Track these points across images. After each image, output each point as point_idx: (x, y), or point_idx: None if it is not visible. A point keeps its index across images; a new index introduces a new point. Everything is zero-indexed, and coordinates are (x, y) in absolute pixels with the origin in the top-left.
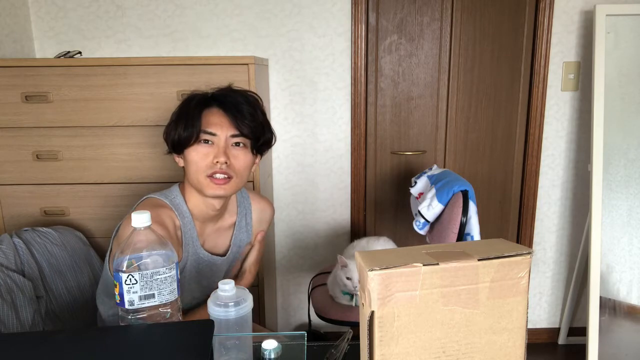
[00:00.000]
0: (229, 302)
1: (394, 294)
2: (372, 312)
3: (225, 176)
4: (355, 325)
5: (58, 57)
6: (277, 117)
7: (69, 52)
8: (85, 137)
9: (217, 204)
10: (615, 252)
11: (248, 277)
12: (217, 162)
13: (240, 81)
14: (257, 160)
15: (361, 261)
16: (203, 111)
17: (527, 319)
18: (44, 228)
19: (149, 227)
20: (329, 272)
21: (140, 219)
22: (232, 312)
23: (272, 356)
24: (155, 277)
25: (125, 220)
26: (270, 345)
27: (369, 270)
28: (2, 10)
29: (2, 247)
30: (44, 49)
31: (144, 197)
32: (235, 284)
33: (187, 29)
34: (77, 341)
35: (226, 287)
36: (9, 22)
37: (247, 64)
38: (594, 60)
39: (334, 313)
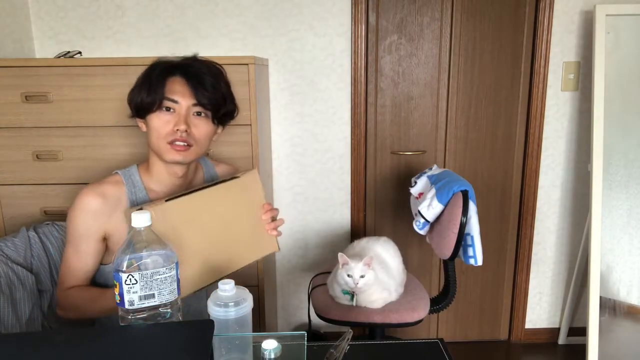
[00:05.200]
0: (229, 302)
1: None
2: None
3: (185, 144)
4: (355, 325)
5: (58, 57)
6: (277, 117)
7: (69, 52)
8: (85, 137)
9: (179, 170)
10: (615, 252)
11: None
12: (178, 129)
13: (240, 81)
14: (218, 131)
15: None
16: (167, 79)
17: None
18: (65, 222)
19: (149, 227)
20: (329, 272)
21: (140, 219)
22: (232, 312)
23: (272, 356)
24: (155, 277)
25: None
26: (270, 345)
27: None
28: (2, 10)
29: (14, 240)
30: (44, 49)
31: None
32: None
33: (187, 29)
34: (77, 341)
35: (226, 287)
36: (9, 22)
37: (247, 64)
38: (594, 60)
39: (334, 313)
